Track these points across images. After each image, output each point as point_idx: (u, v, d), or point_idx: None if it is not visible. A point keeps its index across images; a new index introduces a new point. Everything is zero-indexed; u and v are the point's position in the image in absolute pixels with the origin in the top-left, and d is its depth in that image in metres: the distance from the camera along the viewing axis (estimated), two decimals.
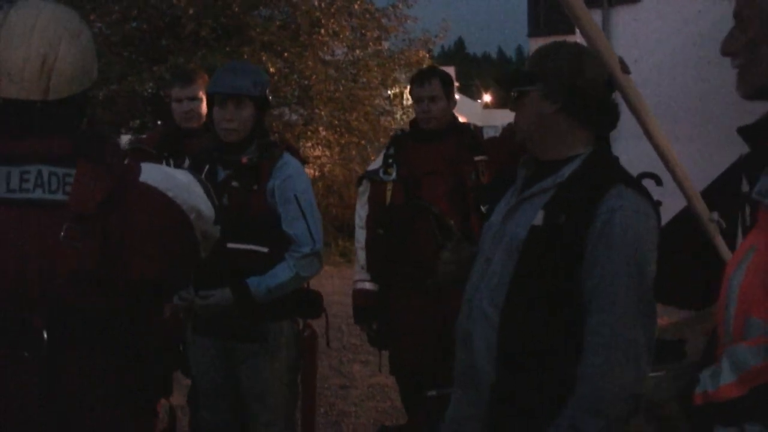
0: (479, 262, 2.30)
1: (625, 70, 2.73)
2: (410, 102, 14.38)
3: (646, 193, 2.10)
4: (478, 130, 3.95)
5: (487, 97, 48.53)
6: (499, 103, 46.58)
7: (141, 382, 1.84)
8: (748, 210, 1.56)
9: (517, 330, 2.10)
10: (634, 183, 2.10)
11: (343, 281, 7.41)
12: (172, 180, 1.83)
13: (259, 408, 3.21)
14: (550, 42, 2.28)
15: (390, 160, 3.89)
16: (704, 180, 4.66)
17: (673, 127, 3.74)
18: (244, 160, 3.19)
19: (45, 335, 1.65)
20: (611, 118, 2.23)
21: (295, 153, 3.37)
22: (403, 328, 3.89)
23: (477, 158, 3.79)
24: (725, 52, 1.56)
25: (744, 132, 1.56)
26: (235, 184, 3.15)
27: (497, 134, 3.87)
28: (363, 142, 13.18)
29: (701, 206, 3.84)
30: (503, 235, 2.22)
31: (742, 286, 1.42)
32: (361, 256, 4.02)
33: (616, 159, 2.21)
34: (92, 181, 1.70)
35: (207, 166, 3.16)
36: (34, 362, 1.65)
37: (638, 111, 3.12)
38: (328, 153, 12.72)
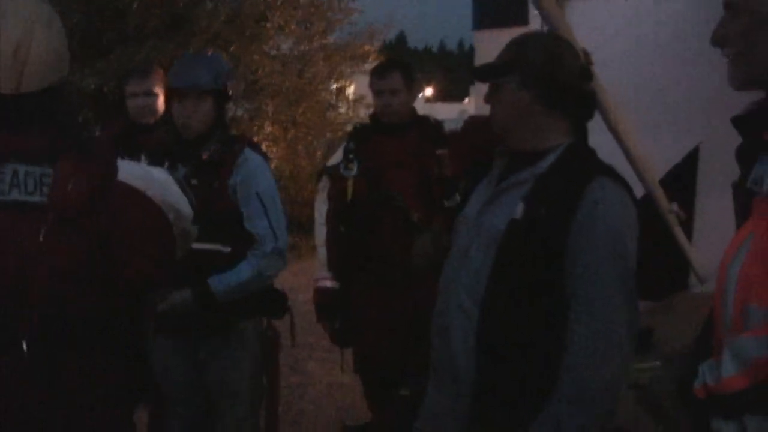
0: (455, 255, 2.27)
1: (589, 61, 2.74)
2: (355, 97, 14.50)
3: (626, 185, 2.10)
4: (438, 123, 3.92)
5: (428, 91, 48.78)
6: (440, 97, 46.89)
7: (137, 381, 1.80)
8: (740, 200, 1.56)
9: (497, 323, 2.09)
10: (615, 175, 2.10)
11: (293, 276, 7.35)
12: (149, 178, 1.77)
13: (225, 408, 3.15)
14: (518, 35, 2.27)
15: (351, 155, 3.85)
16: (661, 170, 4.71)
17: (631, 118, 3.76)
18: (205, 156, 3.12)
19: (24, 345, 1.57)
20: (588, 107, 2.22)
21: (257, 148, 3.31)
22: (367, 324, 3.87)
23: (439, 151, 3.77)
24: (716, 41, 1.55)
25: (736, 122, 1.56)
26: (194, 181, 3.07)
27: (458, 127, 3.84)
28: (309, 137, 13.11)
29: (661, 197, 3.88)
30: (479, 228, 2.19)
31: (740, 273, 1.42)
32: (322, 253, 3.98)
33: (593, 151, 2.21)
34: (73, 181, 1.61)
35: (166, 163, 3.08)
36: (18, 367, 1.58)
37: (601, 102, 3.13)
38: (274, 148, 12.60)
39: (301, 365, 6.09)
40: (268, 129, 12.52)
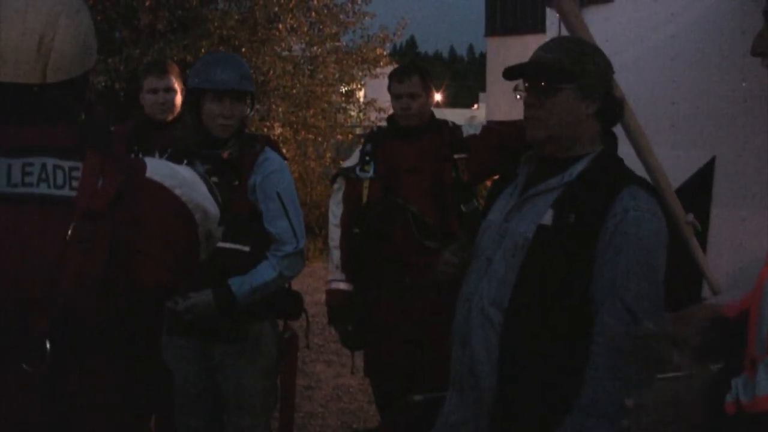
0: (478, 261, 2.26)
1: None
2: (365, 99, 14.50)
3: (657, 195, 2.11)
4: (457, 127, 3.91)
5: (437, 96, 48.80)
6: (449, 103, 46.85)
7: (153, 391, 1.74)
8: None
9: (521, 332, 2.07)
10: (646, 184, 2.11)
11: (300, 278, 7.32)
12: (178, 176, 1.72)
13: (239, 411, 3.14)
14: (565, 36, 2.26)
15: (367, 157, 3.84)
16: (675, 182, 4.70)
17: (646, 126, 3.76)
18: (226, 154, 3.13)
19: (48, 345, 1.51)
20: (617, 114, 2.23)
21: (276, 148, 3.32)
22: (380, 328, 3.85)
23: (457, 156, 3.76)
24: (756, 51, 1.55)
25: None
26: (214, 179, 3.07)
27: (477, 132, 3.84)
28: (319, 138, 13.10)
29: (678, 208, 3.87)
30: (504, 235, 2.18)
31: None
32: (336, 255, 3.96)
33: (621, 159, 2.21)
34: (102, 176, 1.57)
35: (185, 161, 3.08)
36: (37, 371, 1.52)
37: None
38: (283, 150, 12.62)
39: (310, 367, 6.08)
40: (278, 130, 12.51)
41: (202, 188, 1.77)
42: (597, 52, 2.20)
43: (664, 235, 2.06)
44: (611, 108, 2.15)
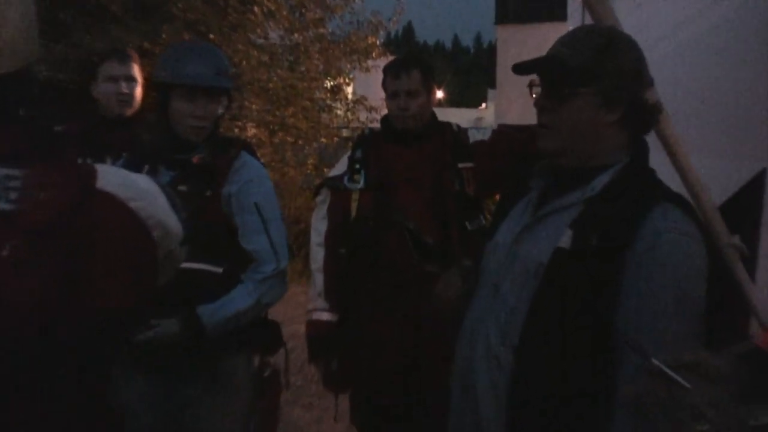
0: (483, 291, 2.26)
1: None
2: (354, 97, 14.52)
3: (694, 214, 2.08)
4: (463, 131, 3.93)
5: (439, 94, 49.01)
6: (452, 101, 47.02)
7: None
8: None
9: (534, 373, 2.07)
10: (682, 201, 2.08)
11: (278, 305, 7.30)
12: (134, 186, 1.71)
13: None
14: (589, 26, 2.24)
15: (357, 165, 3.85)
16: (718, 197, 4.70)
17: (680, 133, 3.77)
18: (196, 159, 3.14)
19: None
20: (650, 119, 2.20)
21: (254, 153, 3.33)
22: (369, 368, 3.84)
23: (461, 165, 3.77)
24: None
25: None
26: (183, 188, 3.08)
27: (485, 137, 3.85)
28: (300, 141, 13.13)
29: (721, 229, 3.87)
30: (515, 259, 2.18)
31: None
32: (319, 280, 3.96)
33: (653, 171, 2.19)
34: (44, 187, 1.55)
35: (146, 167, 3.09)
36: None
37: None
38: (258, 154, 12.65)
39: (287, 412, 6.06)
40: (252, 131, 12.54)
41: (163, 201, 1.76)
42: (629, 45, 2.15)
43: (704, 261, 2.03)
44: (639, 114, 2.13)
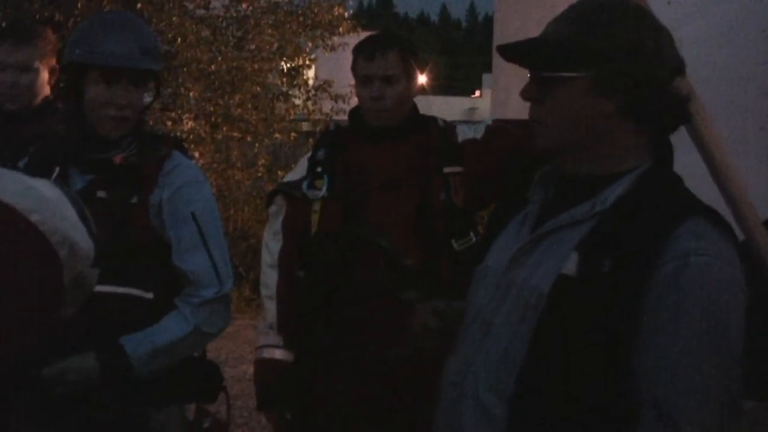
0: (471, 327, 2.27)
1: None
2: (316, 82, 14.54)
3: (729, 231, 2.08)
4: (450, 128, 3.94)
5: (422, 79, 49.01)
6: (441, 88, 47.14)
7: None
8: None
9: (533, 427, 2.08)
10: (714, 215, 2.07)
11: (219, 340, 7.28)
12: (36, 196, 1.73)
13: None
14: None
15: (319, 168, 3.86)
16: (764, 210, 4.75)
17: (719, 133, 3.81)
18: (118, 159, 3.16)
19: None
20: (677, 116, 2.20)
21: (187, 152, 3.35)
22: (331, 417, 3.86)
23: (448, 170, 3.80)
24: None
25: None
26: (102, 194, 3.10)
27: (478, 135, 3.87)
28: (249, 137, 13.12)
29: (766, 244, 3.93)
30: (510, 287, 2.19)
31: None
32: (271, 309, 3.96)
33: (681, 179, 2.19)
34: None
35: (56, 170, 3.10)
36: None
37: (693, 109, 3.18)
38: (196, 153, 12.64)
39: None
40: (189, 124, 12.52)
41: (71, 213, 1.77)
42: (633, 14, 2.14)
43: (740, 288, 2.03)
44: (660, 107, 2.12)
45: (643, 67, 2.08)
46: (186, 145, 10.93)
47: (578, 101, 2.12)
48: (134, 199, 3.14)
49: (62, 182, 2.27)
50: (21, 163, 3.21)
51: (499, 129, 3.93)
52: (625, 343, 1.98)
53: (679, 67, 2.16)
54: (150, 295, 3.12)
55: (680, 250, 1.98)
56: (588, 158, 2.17)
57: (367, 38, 4.03)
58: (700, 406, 1.95)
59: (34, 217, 1.70)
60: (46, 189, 1.80)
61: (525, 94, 2.21)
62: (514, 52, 2.22)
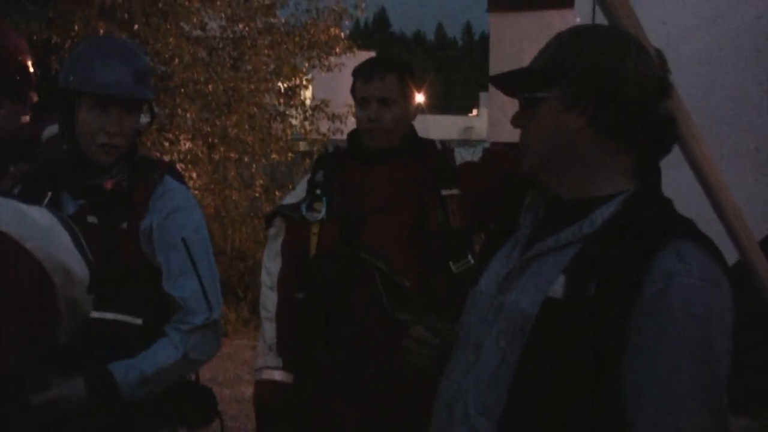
0: (462, 350, 2.30)
1: (664, 67, 2.79)
2: (313, 102, 14.53)
3: (717, 254, 2.08)
4: (448, 150, 3.97)
5: (419, 98, 48.93)
6: (437, 107, 47.10)
7: None
8: None
9: None
10: (700, 237, 2.09)
11: (214, 362, 7.21)
12: (30, 223, 1.74)
13: None
14: (569, 29, 2.28)
15: (317, 191, 3.89)
16: (759, 231, 4.76)
17: (714, 152, 3.83)
18: (109, 184, 3.18)
19: None
20: (664, 138, 2.24)
21: (180, 177, 3.37)
22: None
23: (446, 192, 3.81)
24: None
25: None
26: (93, 220, 3.12)
27: (475, 157, 3.89)
28: (246, 158, 13.10)
29: (763, 270, 3.95)
30: (500, 311, 2.21)
31: None
32: (270, 331, 3.97)
33: (669, 202, 2.21)
34: None
35: (48, 195, 3.12)
36: None
37: (682, 129, 3.20)
38: (193, 174, 12.63)
39: None
40: (186, 145, 12.49)
41: (65, 240, 1.77)
42: (603, 35, 2.23)
43: (728, 311, 2.04)
44: (623, 114, 2.15)
45: (605, 82, 2.13)
46: (183, 166, 10.94)
47: (550, 119, 2.19)
48: (124, 225, 3.16)
49: (54, 208, 2.26)
50: (15, 191, 3.23)
51: (497, 151, 3.95)
52: (612, 364, 2.00)
53: (660, 88, 2.20)
54: (139, 321, 3.13)
55: (666, 271, 2.00)
56: (569, 180, 2.22)
57: (366, 61, 4.05)
58: (686, 426, 1.97)
59: (28, 245, 1.70)
60: (39, 216, 1.80)
61: (514, 121, 2.28)
62: (503, 82, 2.30)
